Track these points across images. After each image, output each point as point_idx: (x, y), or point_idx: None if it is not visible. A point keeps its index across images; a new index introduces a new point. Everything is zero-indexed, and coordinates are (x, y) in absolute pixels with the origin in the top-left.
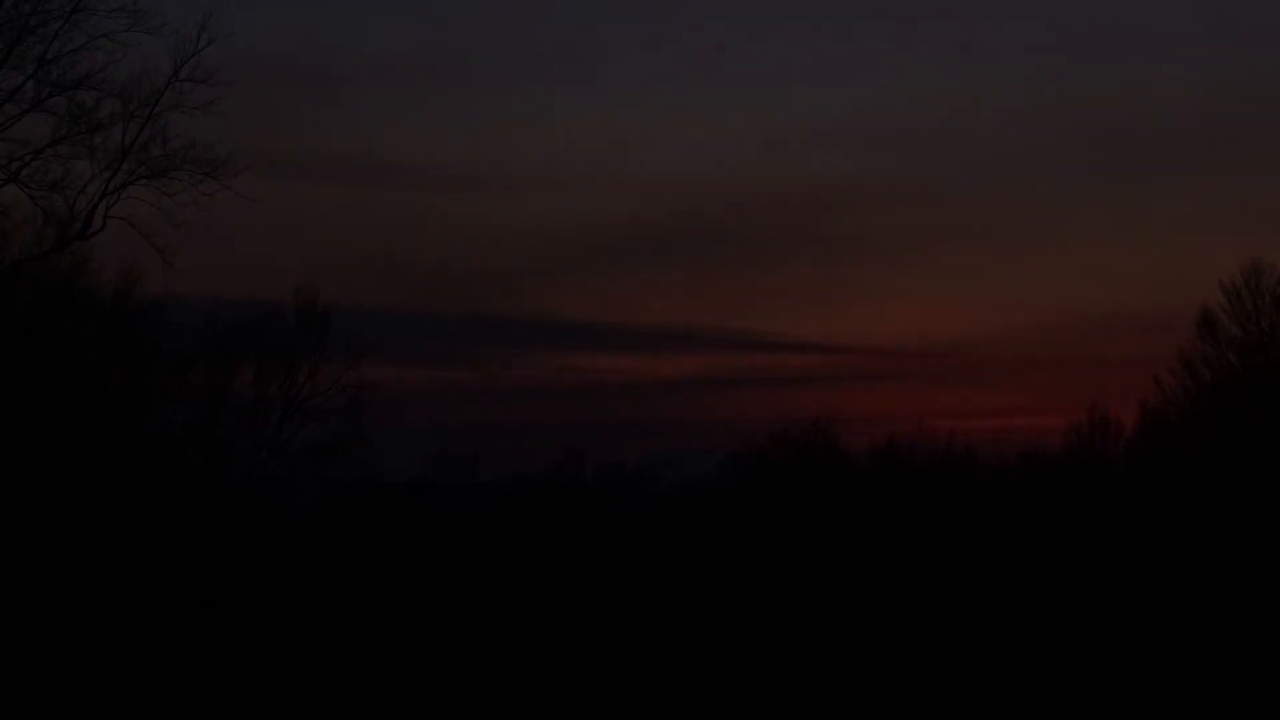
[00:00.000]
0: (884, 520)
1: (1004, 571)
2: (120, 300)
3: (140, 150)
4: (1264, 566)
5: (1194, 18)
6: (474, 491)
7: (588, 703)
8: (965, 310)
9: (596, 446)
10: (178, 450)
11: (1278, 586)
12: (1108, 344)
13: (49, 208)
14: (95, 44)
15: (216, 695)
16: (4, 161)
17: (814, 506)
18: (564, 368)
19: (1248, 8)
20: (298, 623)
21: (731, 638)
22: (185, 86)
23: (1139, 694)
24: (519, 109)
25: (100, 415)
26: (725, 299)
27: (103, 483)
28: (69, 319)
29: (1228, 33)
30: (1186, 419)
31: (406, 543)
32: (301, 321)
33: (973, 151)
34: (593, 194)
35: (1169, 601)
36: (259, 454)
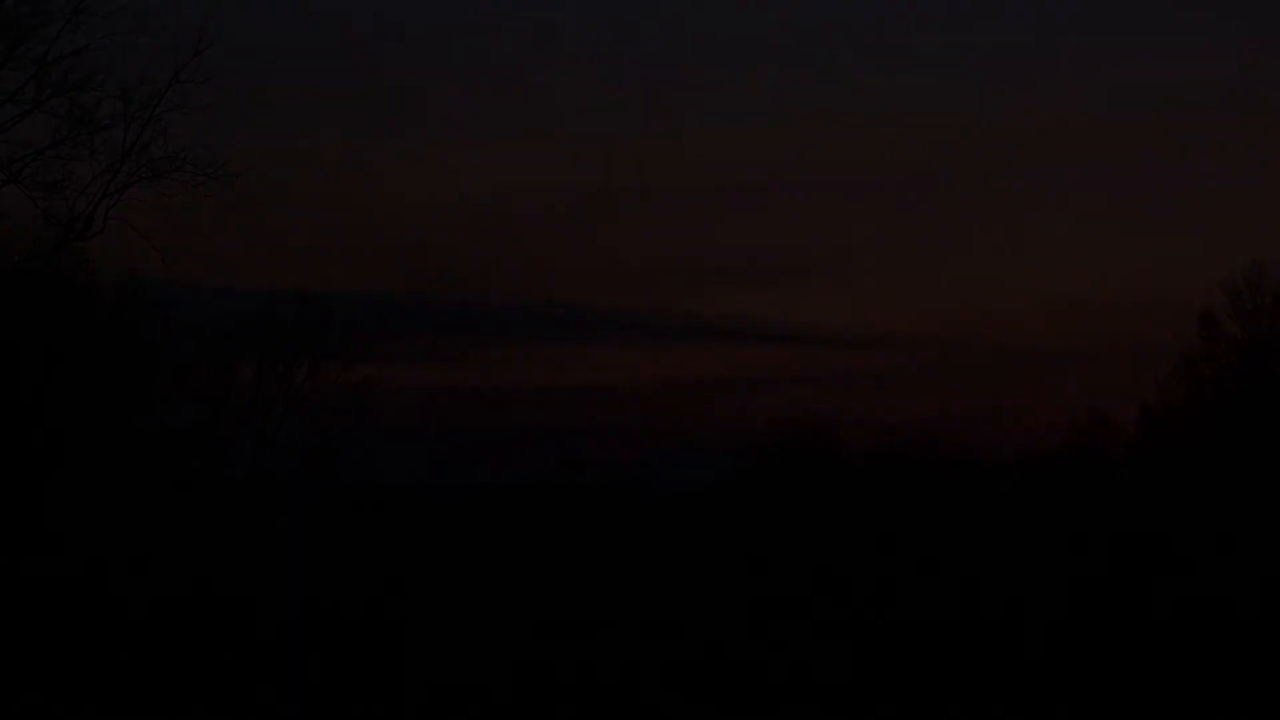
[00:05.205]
0: (884, 519)
1: (1003, 571)
2: (120, 300)
3: (141, 151)
4: (1264, 566)
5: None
6: (474, 492)
7: (590, 700)
8: (963, 304)
9: (597, 446)
10: (178, 450)
11: (1278, 585)
12: (1108, 340)
13: (50, 208)
14: (96, 45)
15: (216, 694)
16: (5, 162)
17: (814, 505)
18: (564, 364)
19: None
20: (297, 622)
21: (734, 637)
22: (186, 87)
23: (1140, 694)
24: None
25: (100, 415)
26: (718, 285)
27: (103, 483)
28: (69, 319)
29: (1232, 30)
30: (1187, 419)
31: (406, 543)
32: (301, 321)
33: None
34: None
35: (1169, 601)
36: (259, 454)
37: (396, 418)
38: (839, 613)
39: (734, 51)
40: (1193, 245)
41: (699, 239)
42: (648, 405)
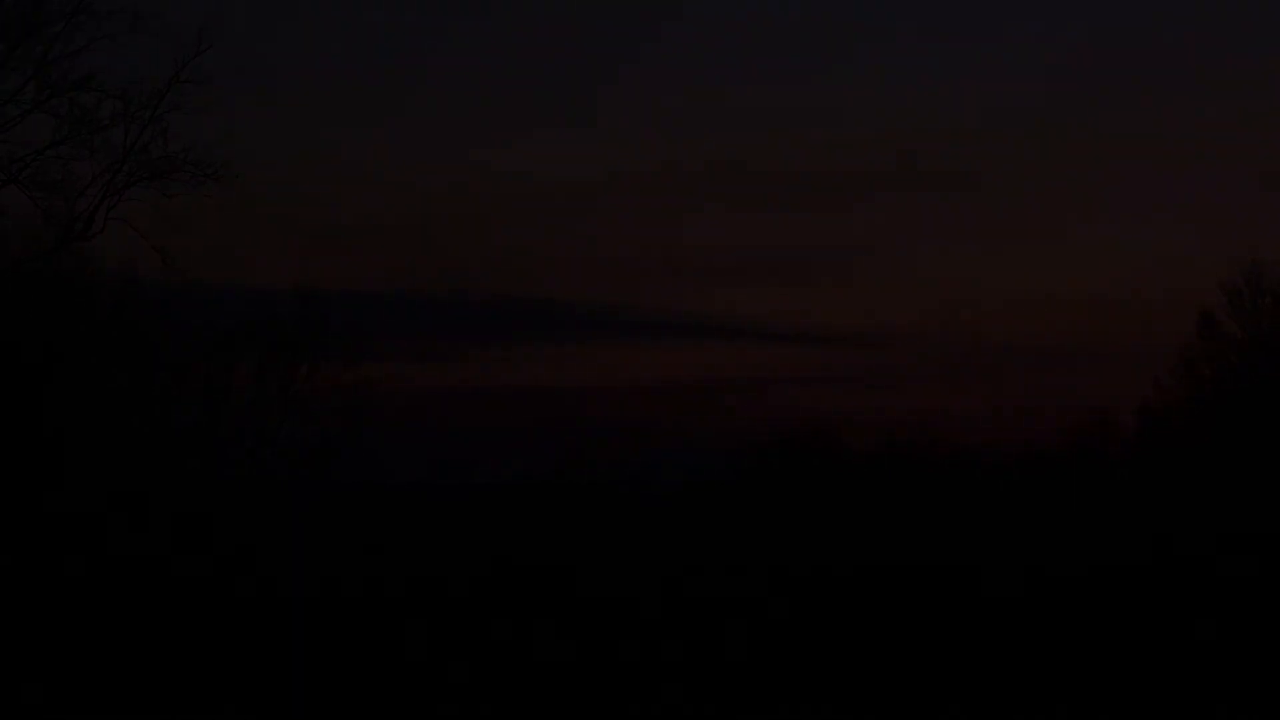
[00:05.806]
0: (884, 519)
1: (1003, 572)
2: (120, 300)
3: (141, 152)
4: (1264, 566)
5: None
6: (474, 492)
7: (590, 700)
8: (962, 304)
9: (597, 446)
10: (178, 450)
11: (1278, 586)
12: (1108, 340)
13: (50, 209)
14: (96, 45)
15: (215, 694)
16: (5, 163)
17: (814, 505)
18: (563, 364)
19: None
20: (297, 622)
21: (734, 635)
22: (186, 88)
23: (1140, 696)
24: None
25: (100, 415)
26: (709, 280)
27: (102, 484)
28: (69, 319)
29: (1232, 30)
30: (1187, 419)
31: (408, 544)
32: (301, 321)
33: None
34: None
35: (1169, 601)
36: (259, 454)
37: (396, 418)
38: (838, 612)
39: (733, 51)
40: (1193, 245)
41: (699, 239)
42: (648, 405)
